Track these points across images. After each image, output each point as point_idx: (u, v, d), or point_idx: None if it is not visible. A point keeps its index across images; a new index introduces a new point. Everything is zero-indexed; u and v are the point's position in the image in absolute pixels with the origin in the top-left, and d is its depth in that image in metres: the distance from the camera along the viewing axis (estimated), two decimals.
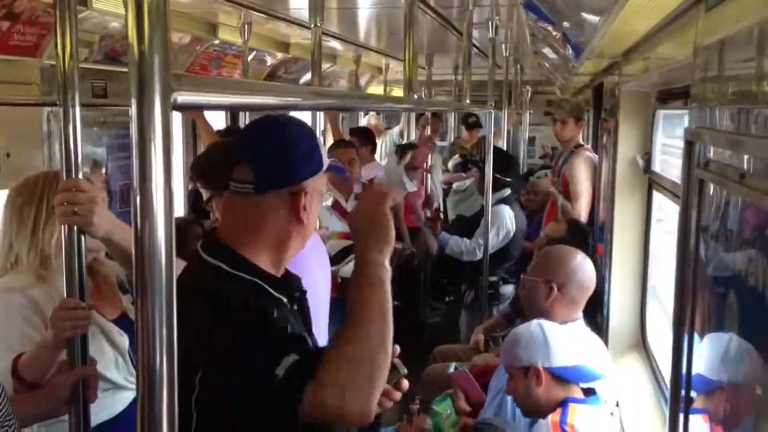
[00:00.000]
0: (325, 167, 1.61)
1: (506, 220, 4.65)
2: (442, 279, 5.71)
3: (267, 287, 1.55)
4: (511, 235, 4.68)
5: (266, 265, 1.58)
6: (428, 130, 7.52)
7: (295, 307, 1.65)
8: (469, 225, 4.91)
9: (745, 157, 1.15)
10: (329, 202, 3.96)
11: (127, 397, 2.17)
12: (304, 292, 1.71)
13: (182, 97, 0.69)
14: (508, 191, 4.79)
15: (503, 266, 4.72)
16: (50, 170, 2.47)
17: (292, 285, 1.67)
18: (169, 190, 0.68)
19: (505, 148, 6.77)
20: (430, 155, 6.59)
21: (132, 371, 2.17)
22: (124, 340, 2.16)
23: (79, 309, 1.67)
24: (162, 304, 0.68)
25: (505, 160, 4.76)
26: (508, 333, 3.66)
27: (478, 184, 5.02)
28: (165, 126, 0.68)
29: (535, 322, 2.37)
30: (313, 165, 1.57)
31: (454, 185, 7.44)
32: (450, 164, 7.55)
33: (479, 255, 4.59)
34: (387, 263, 1.53)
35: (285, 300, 1.59)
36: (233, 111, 4.89)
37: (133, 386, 2.18)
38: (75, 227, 1.67)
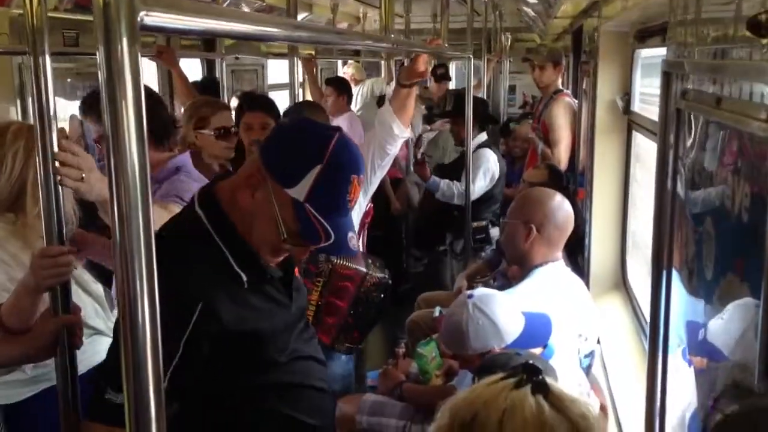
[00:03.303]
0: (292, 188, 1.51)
1: (491, 162, 4.63)
2: (427, 228, 5.63)
3: (230, 257, 1.54)
4: (497, 177, 4.67)
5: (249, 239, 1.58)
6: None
7: (265, 289, 1.62)
8: (449, 171, 4.86)
9: (721, 85, 1.15)
10: None
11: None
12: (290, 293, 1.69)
13: (150, 18, 0.67)
14: (484, 135, 4.79)
15: (492, 209, 4.72)
16: (21, 122, 2.42)
17: (283, 278, 1.66)
18: (140, 125, 0.66)
19: (484, 97, 6.72)
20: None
21: (113, 319, 2.17)
22: (98, 288, 2.15)
23: (61, 256, 1.65)
24: (141, 247, 0.67)
25: (474, 106, 4.50)
26: (490, 280, 3.69)
27: (454, 131, 5.02)
28: (132, 46, 0.64)
29: (469, 303, 2.21)
30: (281, 171, 1.52)
31: (424, 135, 7.38)
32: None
33: (473, 197, 4.46)
34: None
35: (245, 278, 1.55)
36: (204, 36, 4.73)
37: None
38: (51, 174, 1.64)
